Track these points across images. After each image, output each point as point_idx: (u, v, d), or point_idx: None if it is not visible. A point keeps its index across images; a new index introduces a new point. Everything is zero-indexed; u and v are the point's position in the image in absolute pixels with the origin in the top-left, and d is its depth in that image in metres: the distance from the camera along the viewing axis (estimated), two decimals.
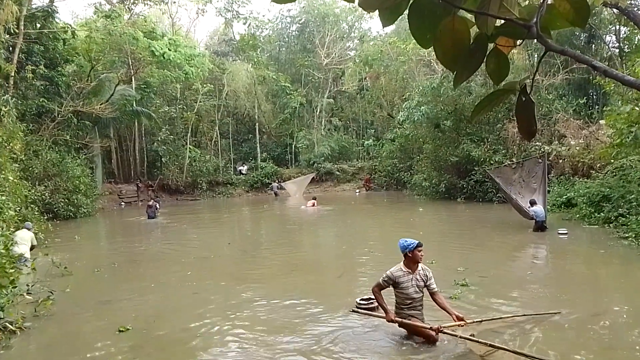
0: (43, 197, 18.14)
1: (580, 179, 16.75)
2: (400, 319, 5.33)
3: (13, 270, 7.29)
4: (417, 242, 5.32)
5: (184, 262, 11.38)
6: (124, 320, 6.66)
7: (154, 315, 7.12)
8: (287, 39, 41.63)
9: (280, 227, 19.40)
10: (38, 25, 21.84)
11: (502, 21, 1.63)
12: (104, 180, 29.44)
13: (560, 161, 18.53)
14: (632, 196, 12.26)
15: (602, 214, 13.25)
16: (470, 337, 5.00)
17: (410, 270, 5.30)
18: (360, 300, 6.62)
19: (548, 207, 14.04)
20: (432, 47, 1.66)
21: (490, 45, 1.70)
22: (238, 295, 8.01)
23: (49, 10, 22.60)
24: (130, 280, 9.87)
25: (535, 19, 1.55)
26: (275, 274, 9.96)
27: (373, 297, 6.70)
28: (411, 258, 5.30)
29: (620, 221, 12.24)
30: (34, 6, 22.43)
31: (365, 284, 8.51)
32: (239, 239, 15.87)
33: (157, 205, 21.58)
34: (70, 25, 25.35)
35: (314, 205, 22.94)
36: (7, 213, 11.26)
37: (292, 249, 13.42)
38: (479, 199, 20.84)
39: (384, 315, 5.43)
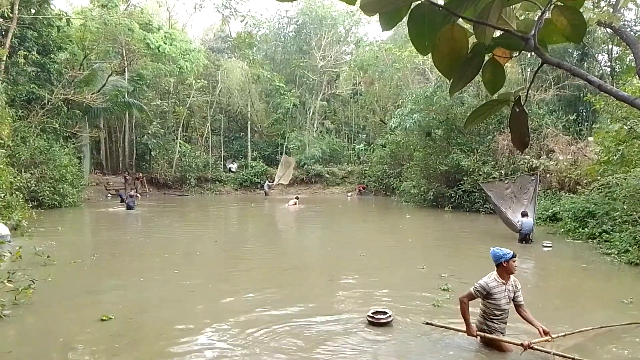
0: (28, 184, 17.94)
1: (567, 194, 16.95)
2: (483, 334, 5.17)
3: None
4: (512, 252, 5.17)
5: (168, 258, 11.31)
6: (106, 311, 6.61)
7: (137, 306, 7.07)
8: (283, 39, 41.61)
9: (267, 226, 19.37)
10: (33, 11, 21.65)
11: (500, 32, 1.66)
12: (91, 171, 29.19)
13: (548, 175, 18.74)
14: (617, 213, 12.42)
15: (586, 229, 13.41)
16: (564, 355, 4.80)
17: (504, 281, 5.15)
18: (372, 313, 6.31)
19: (535, 220, 14.20)
20: (428, 55, 1.68)
21: (487, 56, 1.72)
22: (225, 294, 7.95)
23: None
24: (113, 272, 9.78)
25: (533, 32, 1.58)
26: (264, 273, 9.88)
27: (385, 310, 6.41)
28: (505, 268, 5.13)
29: (603, 237, 12.41)
30: None
31: (357, 287, 8.55)
32: (226, 237, 15.78)
33: (138, 195, 21.97)
34: (66, 12, 25.10)
35: (295, 204, 23.97)
36: None
37: (280, 249, 13.40)
38: (466, 209, 20.98)
39: (462, 328, 5.27)
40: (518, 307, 5.24)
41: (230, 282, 8.85)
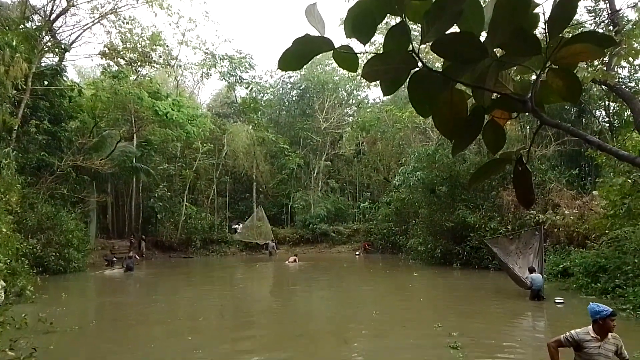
0: (34, 250, 17.86)
1: (576, 249, 16.73)
2: None
3: None
4: (610, 310, 4.91)
5: (171, 323, 11.09)
6: None
7: None
8: (287, 104, 42.79)
9: (274, 288, 19.06)
10: (46, 83, 22.48)
11: (498, 94, 1.73)
12: (97, 235, 29.16)
13: (555, 230, 18.58)
14: (628, 267, 12.22)
15: (599, 284, 13.14)
16: None
17: (598, 337, 4.82)
18: None
19: (545, 276, 13.96)
20: (430, 116, 1.74)
21: (487, 117, 1.78)
22: None
23: (58, 68, 23.38)
24: (115, 339, 9.57)
25: (530, 94, 1.64)
26: (275, 340, 9.56)
27: None
28: (602, 326, 4.83)
29: (617, 292, 12.14)
30: (43, 64, 23.16)
31: (373, 351, 8.29)
32: (231, 301, 15.49)
33: (137, 257, 23.51)
34: (77, 83, 26.09)
35: (295, 261, 25.34)
36: None
37: (289, 312, 13.08)
38: (474, 266, 20.64)
39: None
40: None
41: (239, 350, 8.59)
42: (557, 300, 12.09)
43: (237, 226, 35.51)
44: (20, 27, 20.53)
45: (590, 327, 4.95)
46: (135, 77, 29.13)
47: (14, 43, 17.88)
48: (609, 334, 4.88)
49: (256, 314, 12.87)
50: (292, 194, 36.99)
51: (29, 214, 19.10)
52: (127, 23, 26.03)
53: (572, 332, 4.94)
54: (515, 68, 1.84)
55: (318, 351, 8.52)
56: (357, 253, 32.01)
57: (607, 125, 24.16)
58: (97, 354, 8.15)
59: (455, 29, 1.52)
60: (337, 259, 29.92)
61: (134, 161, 28.20)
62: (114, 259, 24.81)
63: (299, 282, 19.87)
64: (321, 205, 35.54)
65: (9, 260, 13.14)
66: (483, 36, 1.55)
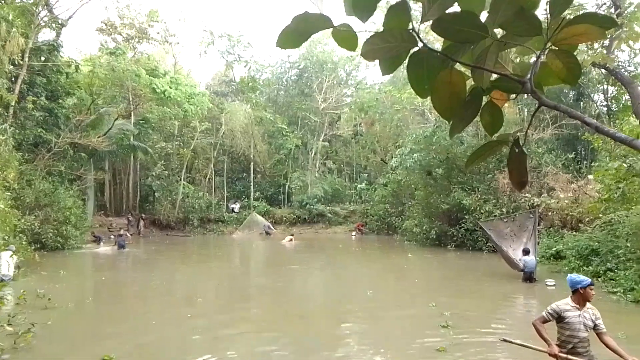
0: (32, 226, 17.89)
1: (569, 232, 16.88)
2: (565, 355, 4.90)
3: None
4: (589, 280, 5.04)
5: (168, 300, 11.20)
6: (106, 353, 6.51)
7: (137, 349, 6.97)
8: (285, 83, 42.48)
9: (270, 267, 19.20)
10: (42, 58, 22.22)
11: (497, 75, 1.73)
12: (95, 213, 29.20)
13: (550, 213, 18.71)
14: (620, 251, 12.35)
15: (590, 267, 13.29)
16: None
17: (577, 306, 4.98)
18: None
19: (537, 258, 14.13)
20: (428, 97, 1.75)
21: (485, 98, 1.79)
22: (231, 341, 7.81)
23: (55, 44, 23.09)
24: (114, 316, 9.67)
25: (529, 75, 1.65)
26: (271, 319, 9.65)
27: None
28: (581, 295, 4.98)
29: (608, 275, 12.29)
30: (39, 39, 22.87)
31: (369, 328, 8.42)
32: (228, 280, 15.63)
33: (128, 234, 23.91)
34: (75, 60, 25.79)
35: (291, 241, 26.10)
36: None
37: (284, 292, 13.17)
38: (469, 247, 20.83)
39: (543, 347, 5.05)
40: (600, 334, 5.02)
41: (235, 329, 8.69)
42: (548, 282, 12.29)
43: (234, 205, 35.60)
44: (17, 1, 20.22)
45: (569, 298, 5.09)
46: (132, 54, 28.80)
47: (10, 17, 17.65)
48: (587, 303, 5.03)
49: (252, 293, 13.00)
50: (289, 175, 36.99)
51: (27, 191, 19.07)
52: None
53: (553, 305, 5.06)
54: (515, 49, 1.85)
55: (313, 330, 8.65)
56: (353, 234, 32.21)
57: (605, 109, 24.13)
58: (95, 330, 8.25)
59: (456, 7, 1.52)
60: (333, 239, 30.10)
61: (132, 139, 28.08)
62: (111, 236, 24.92)
63: (294, 262, 20.01)
64: (318, 186, 35.58)
65: (6, 237, 13.20)
66: (484, 16, 1.55)
